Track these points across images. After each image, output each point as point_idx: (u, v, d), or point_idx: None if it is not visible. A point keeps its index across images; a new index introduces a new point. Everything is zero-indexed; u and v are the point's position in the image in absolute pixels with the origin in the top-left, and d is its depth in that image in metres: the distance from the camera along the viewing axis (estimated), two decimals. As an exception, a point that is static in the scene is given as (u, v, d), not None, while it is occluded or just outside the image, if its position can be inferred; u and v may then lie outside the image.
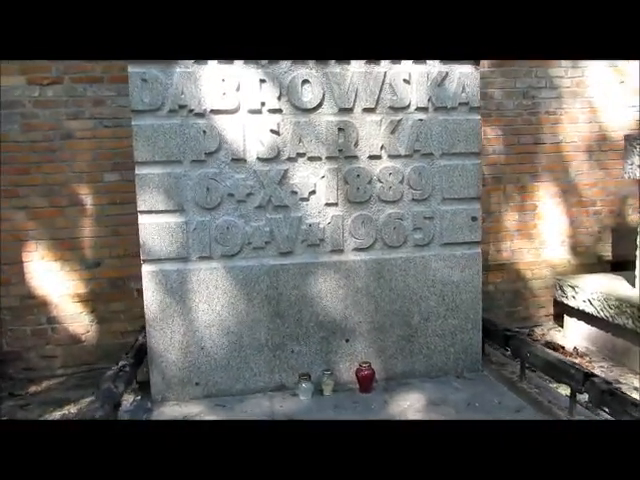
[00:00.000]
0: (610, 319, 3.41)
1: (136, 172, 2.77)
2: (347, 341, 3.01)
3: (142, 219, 2.80)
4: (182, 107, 2.76)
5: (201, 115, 2.79)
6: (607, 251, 4.32)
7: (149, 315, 2.84)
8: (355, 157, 2.93)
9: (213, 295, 2.88)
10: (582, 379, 2.44)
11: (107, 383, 2.59)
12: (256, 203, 2.87)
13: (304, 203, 2.92)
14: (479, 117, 3.06)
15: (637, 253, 3.52)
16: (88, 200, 3.60)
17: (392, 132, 2.95)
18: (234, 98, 2.79)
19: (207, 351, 2.89)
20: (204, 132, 2.79)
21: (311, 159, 2.90)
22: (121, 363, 2.84)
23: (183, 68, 2.74)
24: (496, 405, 2.73)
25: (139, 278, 3.58)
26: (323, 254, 2.96)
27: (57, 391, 3.47)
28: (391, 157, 2.97)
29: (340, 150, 2.91)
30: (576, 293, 3.75)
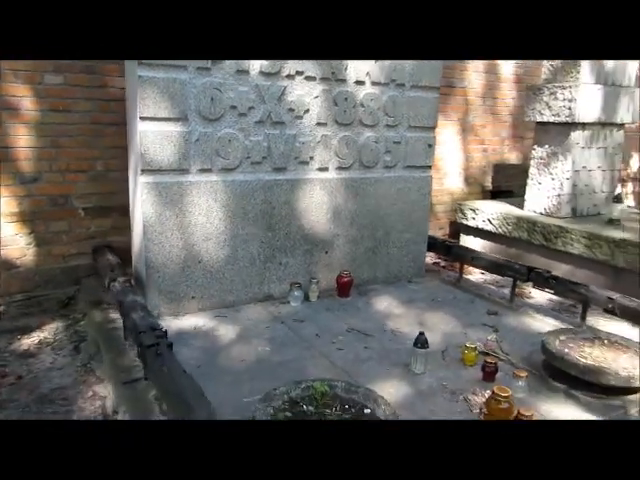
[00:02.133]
0: (508, 234, 4.25)
1: (139, 74, 2.56)
2: (326, 252, 3.29)
3: (143, 126, 2.63)
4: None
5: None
6: (489, 182, 5.23)
7: (147, 228, 2.73)
8: (344, 81, 3.12)
9: (212, 208, 2.87)
10: (527, 271, 3.14)
11: (124, 296, 2.49)
12: (257, 118, 2.90)
13: (298, 121, 3.03)
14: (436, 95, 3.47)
15: (528, 182, 4.38)
16: (24, 104, 3.12)
17: (375, 61, 3.19)
18: (241, 6, 2.73)
19: (204, 265, 2.91)
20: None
21: (307, 78, 3.00)
22: (122, 279, 2.71)
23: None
24: (452, 299, 3.32)
25: (85, 196, 3.35)
26: (311, 171, 3.14)
27: (3, 321, 3.09)
28: (373, 84, 3.22)
29: (333, 73, 3.07)
30: (476, 215, 4.53)
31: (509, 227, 4.24)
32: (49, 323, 3.00)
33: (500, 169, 5.24)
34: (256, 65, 2.84)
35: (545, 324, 2.97)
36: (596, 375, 2.16)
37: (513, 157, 5.36)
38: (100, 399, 2.23)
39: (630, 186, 6.12)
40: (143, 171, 2.67)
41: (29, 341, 2.80)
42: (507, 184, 5.28)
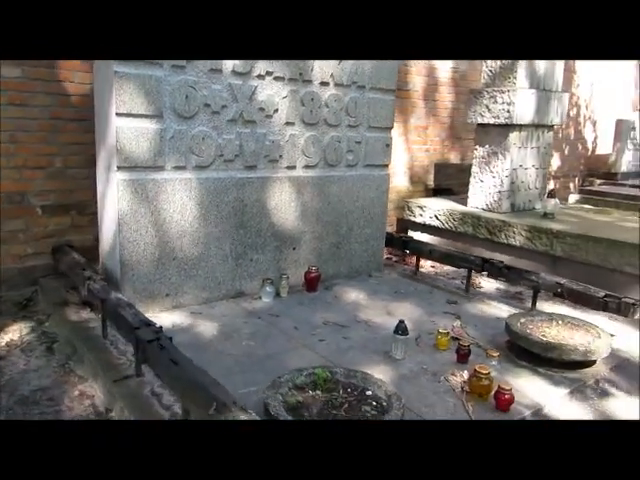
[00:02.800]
0: (454, 229, 4.54)
1: (115, 69, 2.52)
2: (294, 249, 3.38)
3: (119, 122, 2.59)
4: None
5: (183, 17, 2.68)
6: (431, 181, 5.53)
7: (123, 226, 2.69)
8: (310, 82, 3.22)
9: (186, 206, 2.88)
10: (481, 262, 3.40)
11: (106, 294, 2.45)
12: (229, 116, 2.94)
13: (268, 120, 3.10)
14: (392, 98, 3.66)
15: (471, 180, 4.69)
16: (-23, 97, 2.96)
17: (338, 63, 3.32)
18: (215, 6, 2.76)
19: (178, 262, 2.91)
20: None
21: (276, 79, 3.07)
22: (98, 277, 2.65)
23: (168, -37, 2.57)
24: (413, 291, 3.52)
25: (43, 194, 3.24)
26: (280, 169, 3.22)
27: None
28: (337, 85, 3.35)
29: (300, 74, 3.16)
30: (423, 212, 4.79)
31: (455, 222, 4.53)
32: (10, 325, 2.87)
33: (441, 168, 5.56)
34: (229, 64, 2.88)
35: (499, 310, 3.24)
36: (558, 351, 2.42)
37: (452, 157, 5.70)
38: (89, 398, 2.19)
39: (552, 183, 6.69)
40: (119, 168, 2.63)
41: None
42: (447, 182, 5.61)
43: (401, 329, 2.49)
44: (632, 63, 7.80)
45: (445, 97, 5.40)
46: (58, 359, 2.50)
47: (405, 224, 5.04)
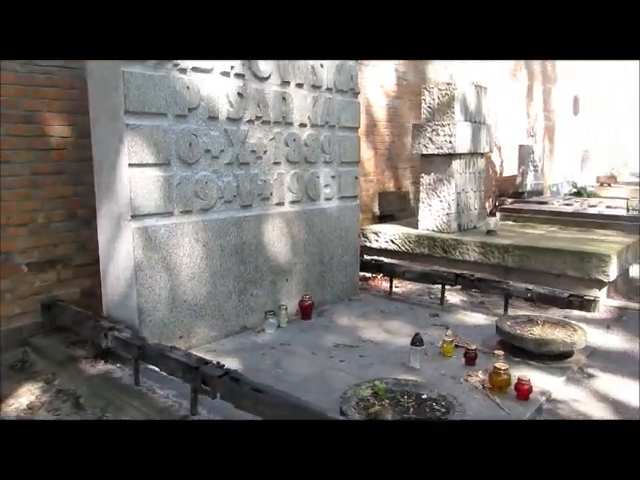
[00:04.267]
0: (410, 251, 4.93)
1: (126, 122, 2.60)
2: (287, 280, 3.55)
3: (132, 172, 2.65)
4: (169, 60, 2.75)
5: (184, 71, 2.83)
6: (376, 208, 5.93)
7: (139, 273, 2.72)
8: (291, 124, 3.47)
9: (194, 248, 2.96)
10: (454, 277, 3.78)
11: (141, 341, 2.46)
12: (227, 160, 3.09)
13: (259, 161, 3.29)
14: (359, 101, 4.02)
15: (419, 205, 5.13)
16: (-41, 155, 2.85)
17: (314, 105, 3.60)
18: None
19: (189, 304, 2.96)
20: (187, 87, 2.84)
21: (264, 122, 3.29)
22: (119, 326, 2.64)
23: (169, 20, 2.72)
24: (396, 309, 3.81)
25: (27, 250, 3.19)
26: (271, 206, 3.40)
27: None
28: (313, 126, 3.62)
29: (283, 117, 3.40)
30: (379, 237, 5.15)
31: (411, 245, 4.92)
32: (18, 389, 2.73)
33: (383, 196, 5.99)
34: (223, 112, 3.05)
35: (475, 318, 3.62)
36: (550, 346, 2.81)
37: (391, 185, 6.17)
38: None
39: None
40: (133, 217, 2.68)
41: (12, 408, 2.54)
42: (389, 209, 6.05)
43: (418, 341, 2.76)
44: (523, 96, 8.91)
45: (383, 132, 5.89)
46: (92, 413, 2.45)
47: (362, 250, 5.35)
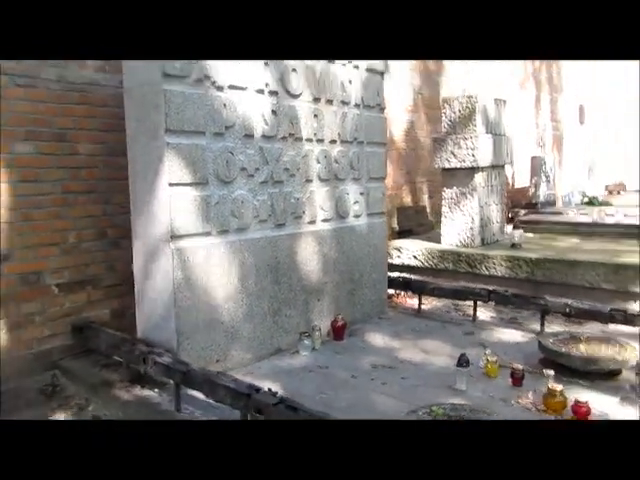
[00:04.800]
0: (434, 266, 4.87)
1: (167, 140, 2.56)
2: (319, 300, 3.48)
3: (172, 192, 2.60)
4: (207, 78, 2.71)
5: (221, 88, 2.79)
6: (395, 223, 5.88)
7: (178, 295, 2.66)
8: (322, 140, 3.43)
9: (231, 268, 2.90)
10: (487, 293, 3.71)
11: (185, 367, 2.39)
12: (262, 178, 3.04)
13: (292, 179, 3.24)
14: (385, 116, 3.99)
15: (442, 220, 5.08)
16: (-9, 175, 2.80)
17: (343, 122, 3.57)
18: (246, 76, 2.90)
19: (225, 326, 2.89)
20: (225, 105, 2.80)
21: (297, 140, 3.24)
22: (161, 350, 2.57)
23: (207, 38, 2.69)
24: (426, 327, 3.74)
25: (58, 271, 3.11)
26: (303, 224, 3.34)
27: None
28: (342, 142, 3.58)
29: (315, 134, 3.35)
30: (401, 253, 5.09)
31: (435, 260, 4.86)
32: (51, 414, 2.66)
33: (401, 211, 5.94)
34: (258, 129, 3.00)
35: (511, 335, 3.55)
36: (598, 363, 2.74)
37: (409, 200, 6.13)
38: None
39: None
40: (173, 237, 2.62)
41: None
42: (408, 224, 6.00)
43: (464, 361, 2.68)
44: (532, 107, 8.91)
45: (400, 146, 5.86)
46: (135, 442, 2.37)
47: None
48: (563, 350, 2.88)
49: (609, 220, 6.49)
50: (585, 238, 5.53)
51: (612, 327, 3.45)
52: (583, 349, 2.93)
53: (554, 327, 3.65)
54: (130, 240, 3.03)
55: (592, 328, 3.51)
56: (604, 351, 2.90)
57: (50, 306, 3.07)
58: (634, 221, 6.34)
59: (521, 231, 4.94)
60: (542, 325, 3.54)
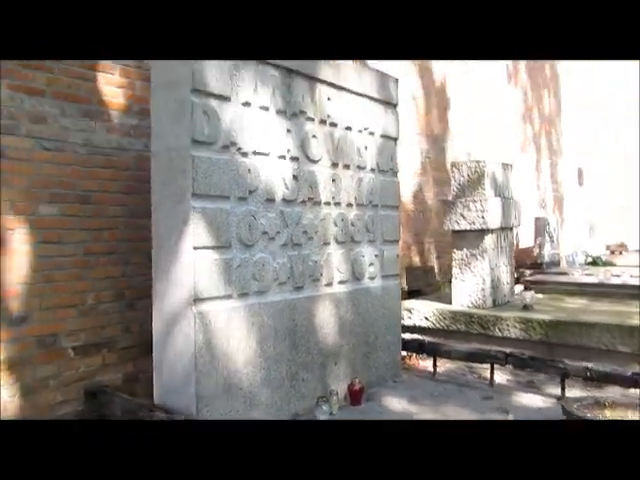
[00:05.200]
0: (446, 327, 4.84)
1: (193, 205, 2.60)
2: (335, 364, 3.43)
3: (196, 255, 2.62)
4: (233, 144, 2.79)
5: (246, 154, 2.87)
6: (404, 283, 5.88)
7: (199, 359, 2.62)
8: (339, 204, 3.49)
9: (250, 332, 2.88)
10: (504, 356, 3.67)
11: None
12: (282, 241, 3.07)
13: (310, 242, 3.27)
14: (398, 180, 4.08)
15: (453, 281, 5.10)
16: (16, 237, 2.82)
17: (359, 186, 3.65)
18: (269, 142, 2.99)
19: (244, 391, 2.84)
20: (249, 170, 2.87)
21: (315, 203, 3.30)
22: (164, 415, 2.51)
23: (234, 106, 2.80)
24: (444, 391, 3.67)
25: (75, 333, 3.09)
26: (321, 287, 3.35)
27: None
28: (358, 206, 3.65)
29: (333, 197, 3.42)
30: (412, 314, 5.07)
31: (447, 321, 4.84)
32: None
33: (410, 272, 5.97)
34: (279, 194, 3.06)
35: (531, 399, 3.48)
36: (627, 432, 2.67)
37: (417, 260, 6.17)
38: None
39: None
40: (196, 300, 2.62)
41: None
42: (417, 284, 6.01)
43: (491, 430, 2.62)
44: (533, 169, 9.13)
45: (408, 208, 5.96)
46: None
47: (393, 327, 5.24)
48: (588, 416, 2.82)
49: (615, 281, 6.51)
50: (593, 299, 5.54)
51: (632, 391, 3.41)
52: (609, 415, 2.87)
53: (574, 391, 3.58)
54: (145, 301, 3.03)
55: (612, 392, 3.45)
56: (630, 417, 2.83)
57: (65, 370, 3.01)
58: (638, 282, 6.38)
59: (532, 292, 4.95)
60: (563, 389, 3.48)
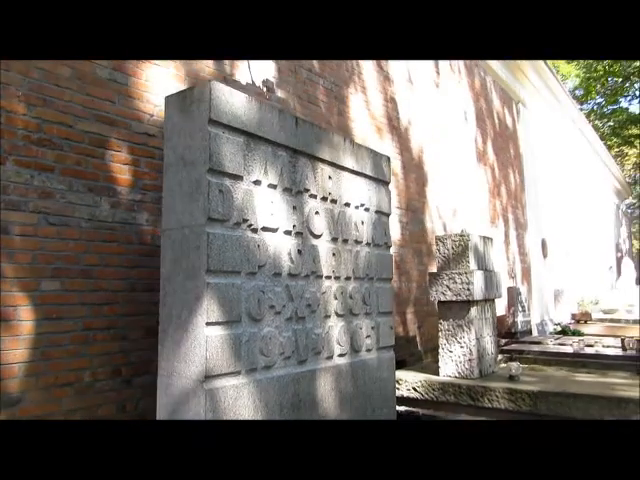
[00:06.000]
0: (435, 399, 4.83)
1: (207, 281, 2.62)
2: (336, 440, 3.37)
3: (208, 331, 2.61)
4: (245, 221, 2.86)
5: (256, 230, 2.94)
6: (389, 354, 5.89)
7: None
8: (339, 277, 3.56)
9: (257, 408, 2.83)
10: (502, 431, 3.68)
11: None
12: (287, 315, 3.09)
13: (313, 315, 3.30)
14: (391, 254, 4.21)
15: (440, 351, 5.15)
16: (17, 313, 2.74)
17: (356, 259, 3.75)
18: (277, 218, 3.08)
19: (250, 471, 2.75)
20: (258, 246, 2.93)
21: (317, 277, 3.37)
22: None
23: (246, 185, 2.89)
24: (444, 468, 3.63)
25: (69, 412, 3.01)
26: (322, 360, 3.35)
27: None
28: (356, 279, 3.73)
29: (333, 271, 3.50)
30: (399, 385, 5.06)
31: (436, 392, 4.84)
32: None
33: (394, 341, 5.99)
34: (285, 268, 3.12)
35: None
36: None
37: (400, 330, 6.22)
38: None
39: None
40: (207, 377, 2.58)
41: None
42: (400, 353, 6.01)
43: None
44: (502, 242, 9.52)
45: (395, 279, 6.07)
46: None
47: (381, 399, 5.20)
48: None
49: (589, 351, 6.73)
50: (571, 369, 5.67)
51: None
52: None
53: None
54: (143, 378, 2.95)
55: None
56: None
57: (58, 452, 2.86)
58: (610, 352, 6.60)
59: (518, 363, 5.03)
60: (561, 463, 3.50)
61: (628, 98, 25.77)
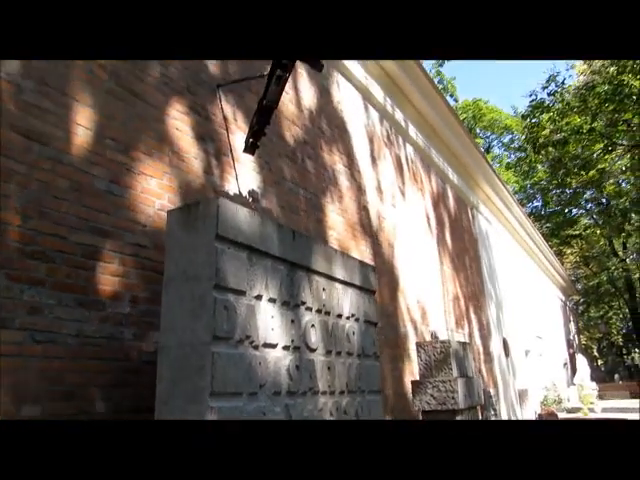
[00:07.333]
0: None
1: (211, 405, 2.46)
2: None
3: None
4: (247, 337, 2.77)
5: (257, 347, 2.84)
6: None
7: None
8: (334, 393, 3.44)
9: None
10: None
11: None
12: (287, 437, 2.91)
13: (311, 435, 3.12)
14: (379, 364, 4.14)
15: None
16: None
17: (349, 372, 3.65)
18: (276, 333, 3.00)
19: None
20: (260, 364, 2.82)
21: (314, 393, 3.24)
22: None
23: (248, 300, 2.83)
24: None
25: None
26: None
27: None
28: (349, 393, 3.61)
29: (329, 386, 3.38)
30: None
31: None
32: None
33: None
34: (284, 386, 2.99)
35: None
36: None
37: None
38: None
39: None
40: None
41: None
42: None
43: None
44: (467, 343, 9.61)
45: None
46: None
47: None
48: None
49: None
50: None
51: None
52: None
53: None
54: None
55: None
56: None
57: None
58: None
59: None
60: None
61: (581, 211, 28.08)
